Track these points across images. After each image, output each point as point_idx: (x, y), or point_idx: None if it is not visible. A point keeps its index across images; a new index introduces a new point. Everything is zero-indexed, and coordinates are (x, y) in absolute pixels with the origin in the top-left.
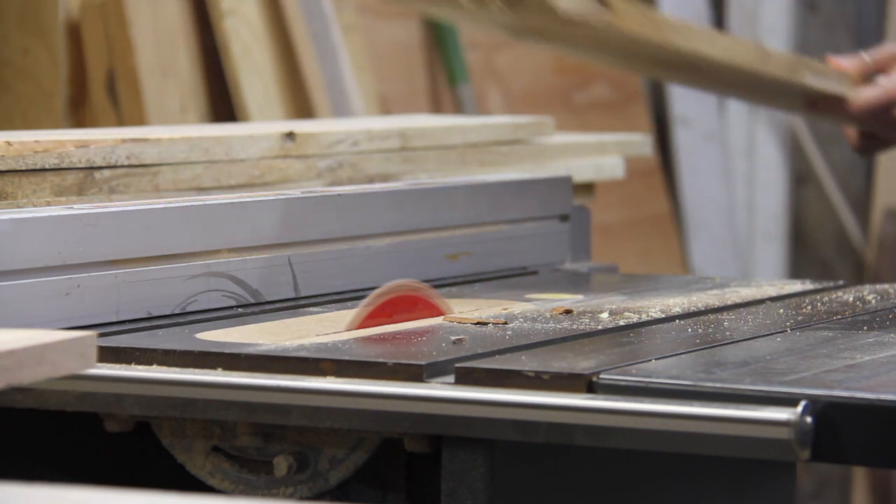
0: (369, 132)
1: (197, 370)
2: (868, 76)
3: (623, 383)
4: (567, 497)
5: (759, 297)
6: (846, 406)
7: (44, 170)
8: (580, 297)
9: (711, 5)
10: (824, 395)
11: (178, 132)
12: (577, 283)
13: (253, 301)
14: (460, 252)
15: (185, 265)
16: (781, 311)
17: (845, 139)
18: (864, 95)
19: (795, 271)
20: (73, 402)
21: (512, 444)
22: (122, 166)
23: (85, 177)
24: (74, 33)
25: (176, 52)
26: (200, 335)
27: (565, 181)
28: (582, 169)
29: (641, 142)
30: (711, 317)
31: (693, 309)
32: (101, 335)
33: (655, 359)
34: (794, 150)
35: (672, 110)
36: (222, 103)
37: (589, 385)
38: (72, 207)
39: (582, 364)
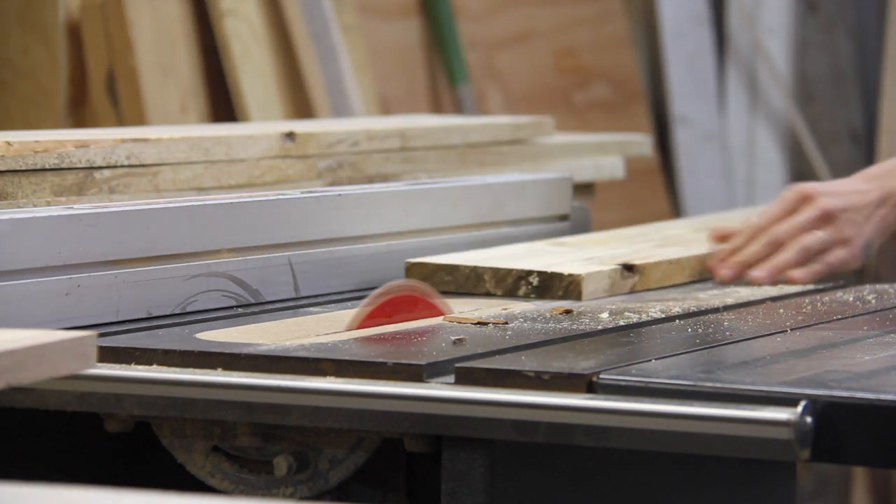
0: (369, 132)
1: (197, 370)
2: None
3: (623, 383)
4: (567, 497)
5: (759, 297)
6: (846, 406)
7: (44, 170)
8: None
9: (711, 5)
10: (824, 395)
11: (178, 132)
12: None
13: (253, 301)
14: None
15: (185, 265)
16: (781, 311)
17: (845, 139)
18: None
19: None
20: (73, 402)
21: (512, 444)
22: (122, 166)
23: (85, 177)
24: (74, 33)
25: (176, 52)
26: (200, 335)
27: (565, 181)
28: (582, 169)
29: (641, 142)
30: (711, 317)
31: (693, 309)
32: (101, 335)
33: (655, 359)
34: (794, 150)
35: (672, 110)
36: (222, 103)
37: (589, 385)
38: (72, 207)
39: (582, 364)
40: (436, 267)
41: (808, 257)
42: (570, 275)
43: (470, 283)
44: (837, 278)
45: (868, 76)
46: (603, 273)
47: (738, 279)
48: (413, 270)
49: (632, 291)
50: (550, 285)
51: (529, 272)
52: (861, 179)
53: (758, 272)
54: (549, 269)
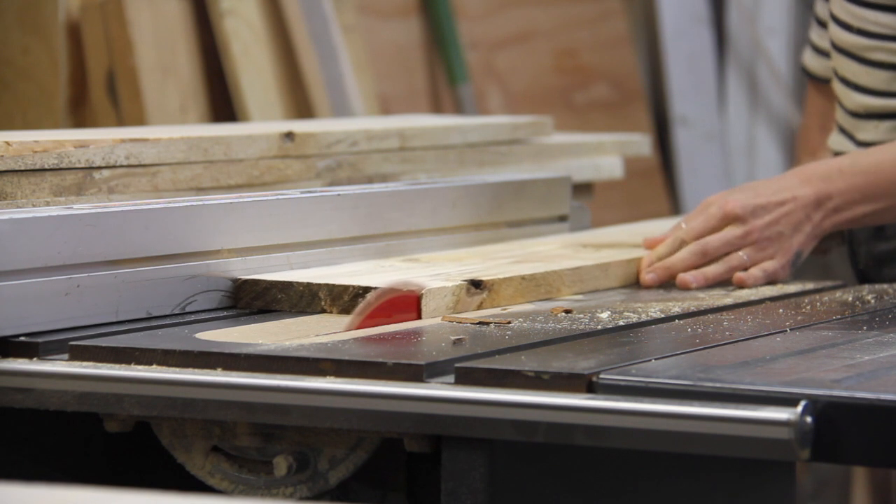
0: (368, 132)
1: (197, 370)
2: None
3: (623, 383)
4: (567, 497)
5: (758, 297)
6: (846, 406)
7: (43, 170)
8: (579, 296)
9: (711, 5)
10: (824, 395)
11: (178, 132)
12: None
13: None
14: None
15: (185, 265)
16: (781, 311)
17: None
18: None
19: (795, 271)
20: (72, 402)
21: (512, 444)
22: (122, 166)
23: (84, 177)
24: (74, 33)
25: (176, 52)
26: (200, 335)
27: (564, 181)
28: (581, 169)
29: (640, 142)
30: (711, 317)
31: (693, 309)
32: (101, 335)
33: (655, 359)
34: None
35: (672, 110)
36: (222, 103)
37: (589, 385)
38: (71, 207)
39: (582, 364)
40: (268, 284)
41: (733, 273)
42: (411, 291)
43: (304, 301)
44: (834, 279)
45: None
46: (446, 289)
47: (661, 283)
48: (245, 288)
49: (480, 308)
50: None
51: (366, 289)
52: (799, 180)
53: (689, 276)
54: (387, 286)
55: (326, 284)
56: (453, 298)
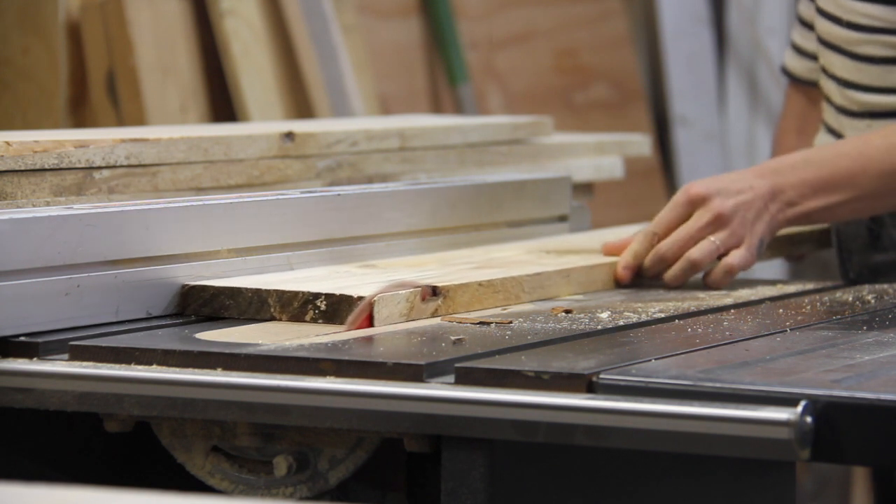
0: (368, 132)
1: (197, 370)
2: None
3: (623, 383)
4: (567, 497)
5: (758, 297)
6: (846, 406)
7: (43, 170)
8: (579, 296)
9: (711, 5)
10: (824, 395)
11: (178, 132)
12: None
13: None
14: None
15: (185, 265)
16: (781, 311)
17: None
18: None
19: (795, 271)
20: (73, 402)
21: (512, 444)
22: (122, 166)
23: (84, 177)
24: (74, 33)
25: (176, 52)
26: (200, 335)
27: (564, 181)
28: (581, 169)
29: (640, 142)
30: (711, 317)
31: (693, 309)
32: (101, 335)
33: (655, 359)
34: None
35: (672, 110)
36: (222, 103)
37: (589, 385)
38: (71, 207)
39: (582, 364)
40: (216, 290)
41: (697, 269)
42: (361, 298)
43: (253, 308)
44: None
45: None
46: (399, 296)
47: (633, 278)
48: (192, 294)
49: (434, 315)
50: (339, 309)
51: (317, 295)
52: (753, 174)
53: (670, 278)
54: (337, 292)
55: (276, 291)
56: (407, 305)
